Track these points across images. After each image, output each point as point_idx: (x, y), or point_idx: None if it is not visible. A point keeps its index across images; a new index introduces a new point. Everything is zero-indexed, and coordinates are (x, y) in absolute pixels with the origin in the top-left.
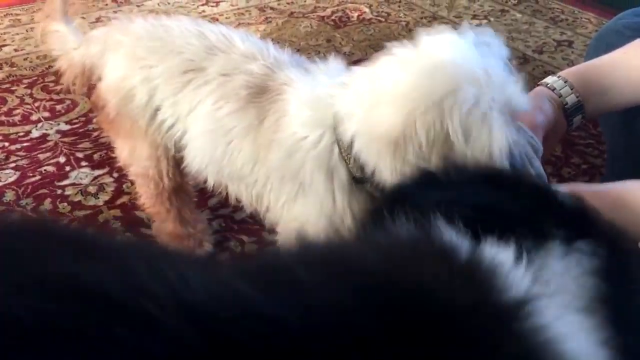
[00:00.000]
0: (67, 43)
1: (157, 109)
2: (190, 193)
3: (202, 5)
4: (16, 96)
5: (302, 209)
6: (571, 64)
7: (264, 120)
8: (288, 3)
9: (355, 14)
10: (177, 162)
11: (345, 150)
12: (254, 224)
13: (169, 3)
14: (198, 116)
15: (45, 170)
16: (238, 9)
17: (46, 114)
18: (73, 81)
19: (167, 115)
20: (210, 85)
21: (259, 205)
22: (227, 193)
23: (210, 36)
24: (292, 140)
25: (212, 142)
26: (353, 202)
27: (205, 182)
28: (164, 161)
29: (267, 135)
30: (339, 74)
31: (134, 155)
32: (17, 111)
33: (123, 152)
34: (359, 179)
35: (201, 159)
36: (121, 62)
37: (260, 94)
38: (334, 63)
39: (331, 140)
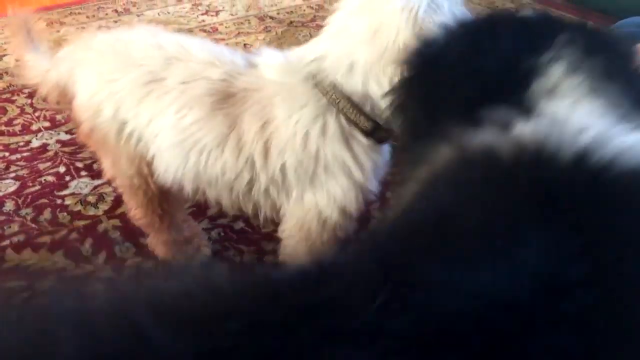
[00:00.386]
0: (40, 68)
1: (124, 122)
2: (181, 196)
3: (202, 14)
4: (16, 106)
5: (321, 194)
6: None
7: (239, 127)
8: (287, 12)
9: None
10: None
11: (350, 108)
12: (253, 234)
13: (168, 13)
14: (162, 127)
15: (45, 180)
16: (238, 18)
17: (46, 124)
18: (57, 102)
19: (133, 127)
20: (170, 94)
21: (250, 208)
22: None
23: (167, 46)
24: (298, 140)
25: (182, 152)
26: (377, 158)
27: (181, 190)
28: (144, 168)
29: (259, 143)
30: (285, 59)
31: (116, 168)
32: (18, 121)
33: (106, 166)
34: (376, 128)
35: (174, 170)
36: (88, 78)
37: (224, 100)
38: (268, 51)
39: (334, 115)
